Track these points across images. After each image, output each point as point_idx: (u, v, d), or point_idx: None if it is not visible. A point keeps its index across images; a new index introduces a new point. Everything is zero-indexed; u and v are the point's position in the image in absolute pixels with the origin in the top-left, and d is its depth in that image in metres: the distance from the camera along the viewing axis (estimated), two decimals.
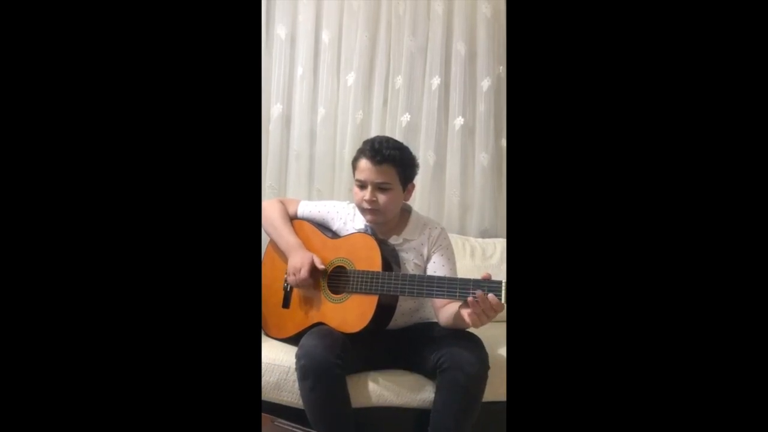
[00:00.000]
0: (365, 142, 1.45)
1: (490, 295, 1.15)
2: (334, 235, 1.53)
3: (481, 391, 1.29)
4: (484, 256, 2.09)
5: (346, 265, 1.41)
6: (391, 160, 1.39)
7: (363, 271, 1.37)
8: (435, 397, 1.31)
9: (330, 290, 1.43)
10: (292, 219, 1.58)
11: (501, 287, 1.16)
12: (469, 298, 1.17)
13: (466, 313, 1.19)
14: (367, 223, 1.48)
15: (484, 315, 1.16)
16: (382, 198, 1.41)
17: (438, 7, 2.23)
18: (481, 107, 2.28)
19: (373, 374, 1.39)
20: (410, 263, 1.46)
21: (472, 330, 1.30)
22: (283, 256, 1.49)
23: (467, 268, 1.95)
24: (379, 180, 1.40)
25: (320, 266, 1.41)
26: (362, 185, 1.42)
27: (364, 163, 1.41)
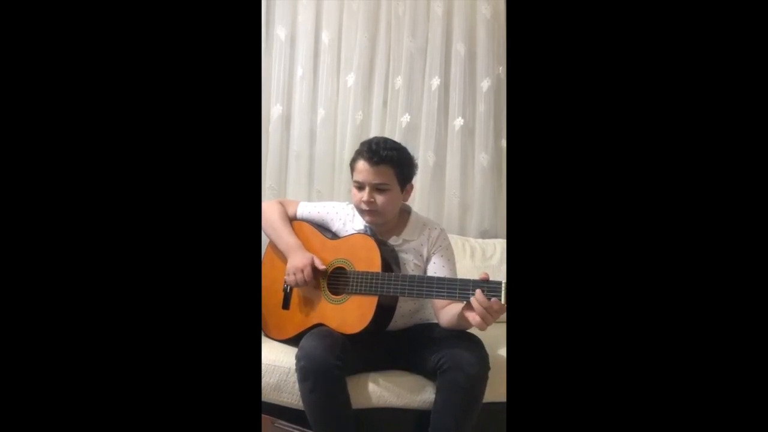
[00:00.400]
0: (362, 144, 1.45)
1: (493, 300, 1.15)
2: (334, 236, 1.53)
3: (482, 391, 1.29)
4: (484, 257, 2.09)
5: (345, 266, 1.41)
6: (388, 161, 1.39)
7: (363, 272, 1.37)
8: (435, 397, 1.31)
9: (330, 291, 1.43)
10: (292, 220, 1.58)
11: (501, 288, 1.16)
12: (472, 298, 1.16)
13: (470, 315, 1.19)
14: (367, 224, 1.48)
15: (489, 316, 1.16)
16: (380, 199, 1.40)
17: (437, 8, 2.23)
18: (481, 108, 2.28)
19: (373, 375, 1.39)
20: (410, 264, 1.46)
21: (472, 331, 1.30)
22: (283, 257, 1.49)
23: (467, 269, 1.95)
24: (376, 181, 1.40)
25: (320, 267, 1.41)
26: (360, 186, 1.42)
27: (361, 165, 1.41)
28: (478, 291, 1.16)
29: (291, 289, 1.50)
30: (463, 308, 1.22)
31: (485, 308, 1.15)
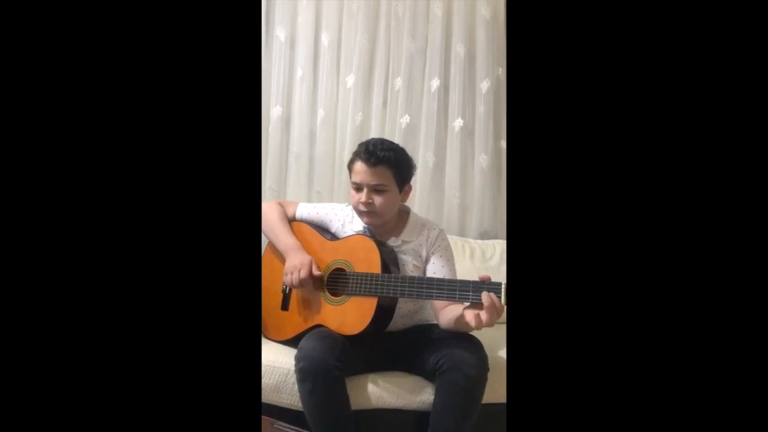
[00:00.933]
0: (360, 145, 1.45)
1: (492, 295, 1.15)
2: (333, 237, 1.53)
3: (481, 392, 1.29)
4: (483, 258, 2.09)
5: (345, 267, 1.41)
6: (385, 162, 1.39)
7: (362, 273, 1.36)
8: (434, 398, 1.31)
9: (329, 292, 1.42)
10: (291, 221, 1.58)
11: (501, 289, 1.16)
12: (485, 295, 1.16)
13: (469, 315, 1.19)
14: (366, 225, 1.48)
15: (494, 316, 1.16)
16: (378, 200, 1.40)
17: (437, 9, 2.23)
18: (481, 109, 2.28)
19: (372, 376, 1.39)
20: (409, 265, 1.46)
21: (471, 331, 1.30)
22: (282, 259, 1.49)
23: (467, 270, 1.95)
24: (374, 182, 1.40)
25: (316, 273, 1.41)
26: (358, 188, 1.42)
27: (359, 166, 1.41)
28: (484, 293, 1.16)
29: (290, 290, 1.49)
30: (464, 309, 1.22)
31: (489, 307, 1.14)
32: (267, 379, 1.38)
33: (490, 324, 1.16)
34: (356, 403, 1.33)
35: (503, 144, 2.32)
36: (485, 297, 1.15)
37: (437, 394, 1.30)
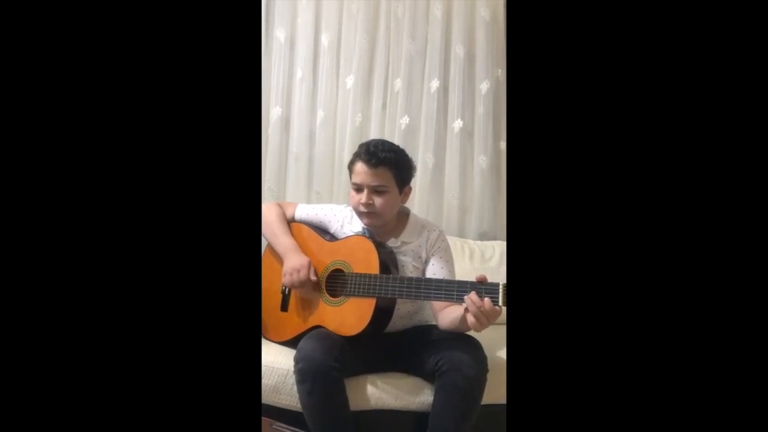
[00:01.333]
0: (361, 146, 1.45)
1: (486, 299, 1.15)
2: (332, 237, 1.53)
3: (480, 393, 1.29)
4: (482, 259, 2.09)
5: (343, 268, 1.41)
6: (386, 163, 1.39)
7: (361, 273, 1.36)
8: (434, 399, 1.31)
9: (328, 293, 1.42)
10: (290, 222, 1.58)
11: (498, 289, 1.16)
12: (466, 297, 1.17)
13: (468, 316, 1.19)
14: (365, 226, 1.48)
15: (483, 318, 1.16)
16: (378, 201, 1.41)
17: (437, 10, 2.23)
18: (480, 110, 2.28)
19: (371, 377, 1.39)
20: (408, 266, 1.46)
21: (470, 332, 1.30)
22: (281, 260, 1.49)
23: (466, 271, 1.94)
24: (374, 183, 1.40)
25: (312, 278, 1.41)
26: (358, 188, 1.42)
27: (359, 167, 1.41)
28: (473, 293, 1.16)
29: (289, 291, 1.50)
30: (465, 310, 1.22)
31: (478, 308, 1.15)
32: (266, 379, 1.38)
33: (484, 324, 1.17)
34: (355, 404, 1.33)
35: (503, 145, 2.32)
36: (471, 297, 1.15)
37: (436, 395, 1.30)
